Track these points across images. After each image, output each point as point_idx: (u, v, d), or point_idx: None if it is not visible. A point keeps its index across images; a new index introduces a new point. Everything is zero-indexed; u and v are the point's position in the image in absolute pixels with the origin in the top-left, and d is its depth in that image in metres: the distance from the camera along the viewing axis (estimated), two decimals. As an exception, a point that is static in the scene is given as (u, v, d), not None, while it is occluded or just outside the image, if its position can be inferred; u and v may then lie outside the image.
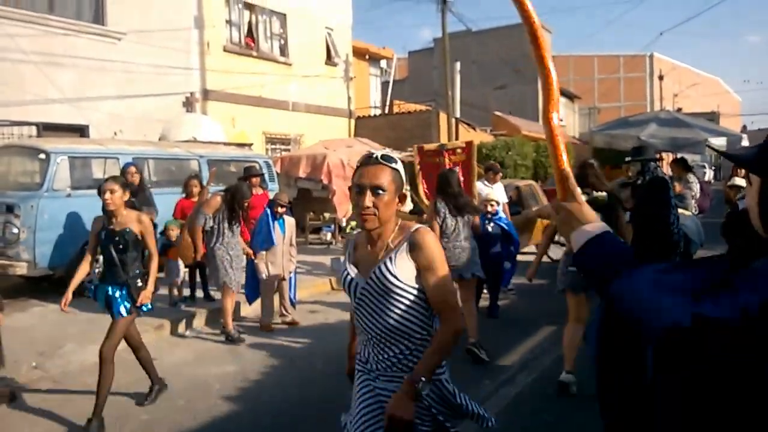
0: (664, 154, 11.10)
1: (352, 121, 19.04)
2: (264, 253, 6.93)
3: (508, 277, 7.55)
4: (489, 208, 7.12)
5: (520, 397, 4.84)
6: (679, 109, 35.07)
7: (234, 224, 6.73)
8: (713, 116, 32.90)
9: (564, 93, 36.23)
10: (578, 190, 1.62)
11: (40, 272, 7.83)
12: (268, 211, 7.03)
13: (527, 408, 4.63)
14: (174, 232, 7.60)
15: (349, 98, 18.95)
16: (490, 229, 7.04)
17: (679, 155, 9.14)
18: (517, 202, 10.85)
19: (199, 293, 7.94)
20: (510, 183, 11.86)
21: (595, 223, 1.50)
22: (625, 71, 47.58)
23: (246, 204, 6.85)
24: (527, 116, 28.98)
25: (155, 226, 7.40)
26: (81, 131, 11.22)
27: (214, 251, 6.64)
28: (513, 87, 29.86)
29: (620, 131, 9.83)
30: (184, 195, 8.05)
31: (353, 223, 9.99)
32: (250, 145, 12.87)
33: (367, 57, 21.97)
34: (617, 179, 8.17)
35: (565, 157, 1.68)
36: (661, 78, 38.70)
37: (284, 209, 7.11)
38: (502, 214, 7.45)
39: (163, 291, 7.95)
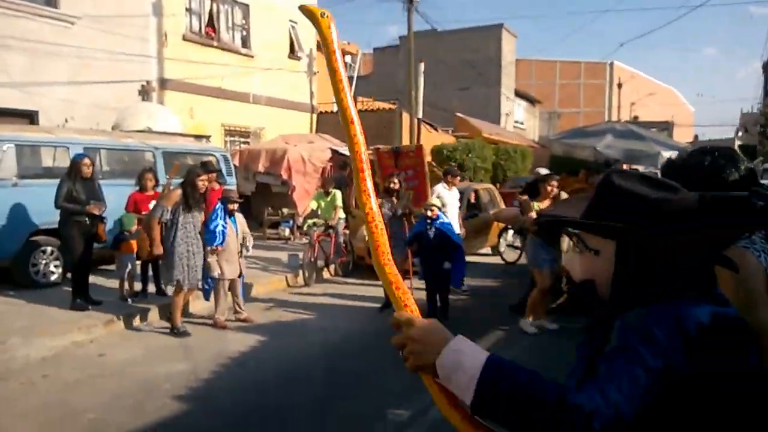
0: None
1: (314, 117, 18.90)
2: (219, 250, 6.81)
3: (459, 278, 7.63)
4: (429, 213, 7.26)
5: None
6: (636, 117, 36.05)
7: (192, 212, 6.53)
8: (667, 126, 33.87)
9: (526, 97, 36.78)
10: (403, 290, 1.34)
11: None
12: (220, 206, 6.92)
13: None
14: (133, 227, 7.43)
15: (311, 93, 18.80)
16: (431, 234, 7.19)
17: (633, 167, 9.40)
18: (475, 205, 10.97)
19: (152, 287, 7.76)
20: (469, 186, 11.96)
21: (462, 341, 1.22)
22: (585, 78, 48.52)
23: (201, 184, 6.57)
24: (489, 118, 29.29)
25: (103, 219, 7.23)
26: (30, 117, 10.83)
27: (174, 247, 6.45)
28: (476, 89, 30.12)
29: (577, 141, 10.05)
30: (137, 188, 7.86)
31: (310, 221, 9.94)
32: (207, 137, 12.62)
33: (331, 52, 21.81)
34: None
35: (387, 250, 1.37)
36: (619, 86, 39.59)
37: (235, 206, 7.01)
38: (444, 218, 7.55)
39: (115, 285, 7.77)
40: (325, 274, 9.94)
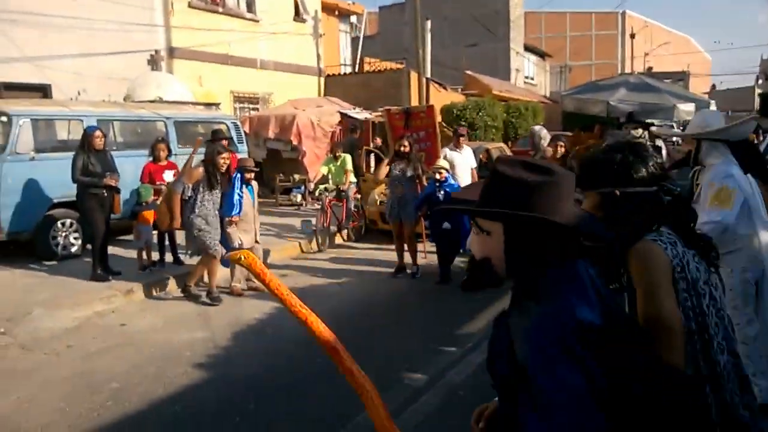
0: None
1: (322, 80, 18.81)
2: (236, 220, 6.93)
3: (464, 243, 7.71)
4: (437, 176, 7.31)
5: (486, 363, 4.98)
6: (650, 68, 35.29)
7: (213, 191, 6.67)
8: (683, 75, 33.16)
9: (536, 51, 36.17)
10: None
11: (8, 237, 7.73)
12: (238, 175, 7.01)
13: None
14: (150, 198, 7.56)
15: (318, 56, 18.66)
16: (440, 196, 7.25)
17: (648, 120, 9.29)
18: (487, 165, 10.95)
19: (169, 257, 7.93)
20: (480, 145, 11.93)
21: None
22: (597, 29, 47.51)
23: (222, 162, 6.69)
24: (499, 75, 28.92)
25: (118, 190, 7.36)
26: (43, 91, 10.92)
27: (192, 221, 6.60)
28: (485, 45, 29.65)
29: (590, 95, 9.88)
30: (151, 159, 7.96)
31: (322, 186, 10.01)
32: (217, 104, 12.67)
33: (336, 13, 21.56)
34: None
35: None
36: (632, 36, 38.73)
37: (252, 175, 7.10)
38: (452, 180, 7.60)
39: (133, 255, 7.95)
40: (338, 239, 10.07)
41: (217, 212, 6.76)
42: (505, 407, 1.46)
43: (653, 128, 9.29)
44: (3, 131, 7.86)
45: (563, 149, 7.09)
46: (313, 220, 9.61)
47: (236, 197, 6.89)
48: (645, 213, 1.91)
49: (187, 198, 6.67)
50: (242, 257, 1.71)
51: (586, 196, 2.00)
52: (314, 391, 4.52)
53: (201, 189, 6.61)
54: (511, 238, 1.38)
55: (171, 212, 6.80)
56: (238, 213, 6.90)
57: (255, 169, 7.25)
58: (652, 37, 46.27)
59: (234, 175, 7.00)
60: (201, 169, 6.66)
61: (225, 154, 6.74)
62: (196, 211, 6.60)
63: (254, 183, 7.24)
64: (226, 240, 6.87)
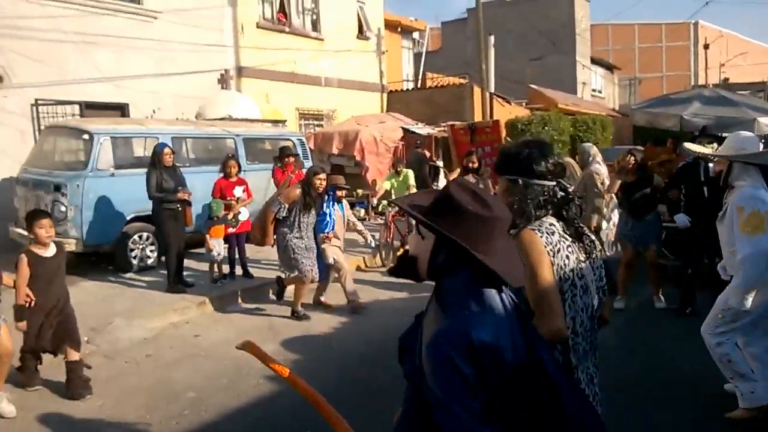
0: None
1: (385, 96, 18.97)
2: (330, 236, 7.02)
3: None
4: None
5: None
6: (726, 80, 33.94)
7: (310, 212, 6.65)
8: (764, 86, 31.71)
9: (603, 64, 35.43)
10: None
11: (88, 248, 8.10)
12: (331, 194, 7.12)
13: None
14: (221, 213, 7.80)
15: (381, 72, 18.85)
16: None
17: (724, 134, 8.92)
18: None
19: (239, 270, 8.13)
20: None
21: None
22: (667, 40, 46.11)
23: (318, 183, 6.63)
24: (564, 88, 28.46)
25: (189, 203, 7.62)
26: (121, 109, 11.43)
27: (286, 241, 6.58)
28: (549, 58, 29.28)
29: (661, 109, 9.58)
30: (221, 175, 8.20)
31: (384, 202, 10.04)
32: (283, 121, 12.98)
33: (399, 29, 21.77)
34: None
35: None
36: (706, 47, 37.37)
37: (343, 193, 7.23)
38: None
39: (204, 268, 8.20)
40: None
41: (312, 234, 6.74)
42: (410, 395, 1.64)
43: None
44: (85, 149, 8.28)
45: (633, 161, 6.91)
46: (377, 235, 9.65)
47: (329, 214, 6.98)
48: (539, 203, 2.21)
49: (281, 218, 6.62)
50: (248, 347, 2.06)
51: (499, 180, 2.33)
52: (379, 408, 4.51)
53: (297, 210, 6.58)
54: (438, 250, 1.58)
55: (264, 229, 6.72)
56: (332, 230, 6.98)
57: (346, 186, 7.39)
58: (727, 46, 44.54)
59: (327, 193, 7.04)
60: (298, 191, 6.63)
61: (321, 175, 6.72)
62: (294, 232, 6.57)
63: (345, 201, 7.36)
64: (319, 256, 6.86)
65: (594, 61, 33.55)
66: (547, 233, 2.18)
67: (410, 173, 10.16)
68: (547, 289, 2.10)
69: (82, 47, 10.71)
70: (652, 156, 8.91)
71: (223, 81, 13.74)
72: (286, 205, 6.58)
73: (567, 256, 2.18)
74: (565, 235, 2.22)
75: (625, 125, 15.86)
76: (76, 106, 10.07)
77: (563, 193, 2.26)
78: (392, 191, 10.11)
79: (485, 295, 1.53)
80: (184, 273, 7.77)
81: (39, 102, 10.05)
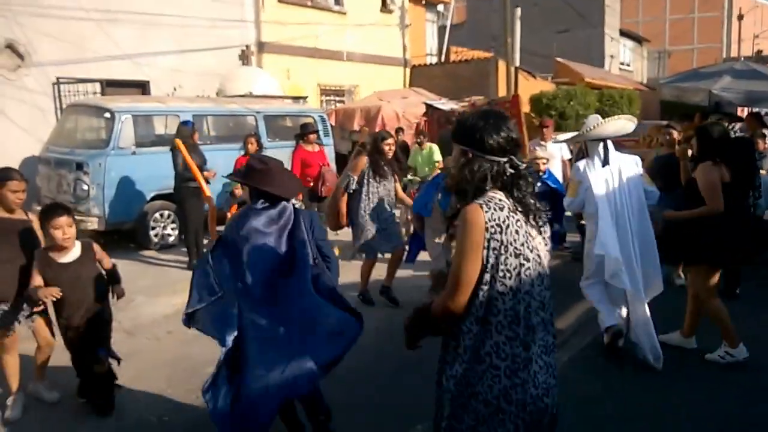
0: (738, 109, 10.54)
1: (408, 71, 18.76)
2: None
3: (555, 237, 7.48)
4: (536, 168, 7.12)
5: (572, 362, 4.84)
6: (759, 52, 32.97)
7: (382, 181, 6.05)
8: (798, 59, 30.78)
9: (632, 36, 34.58)
10: None
11: (110, 226, 8.19)
12: (439, 182, 6.84)
13: (580, 372, 4.62)
14: (239, 190, 7.79)
15: (404, 46, 18.62)
16: (537, 188, 7.02)
17: (755, 110, 8.65)
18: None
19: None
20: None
21: None
22: (699, 11, 44.79)
23: (387, 149, 6.00)
24: (592, 62, 27.87)
25: (208, 182, 7.63)
26: (142, 87, 11.47)
27: (359, 216, 6.04)
28: (576, 31, 28.63)
29: (690, 84, 9.31)
30: (242, 152, 8.20)
31: (405, 179, 9.92)
32: (305, 98, 12.92)
33: (423, 2, 21.43)
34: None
35: None
36: (740, 18, 36.21)
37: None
38: (557, 172, 7.36)
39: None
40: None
41: (389, 206, 6.17)
42: None
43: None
44: (106, 127, 8.32)
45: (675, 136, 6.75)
46: (398, 213, 9.57)
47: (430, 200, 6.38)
48: (486, 177, 2.17)
49: (351, 191, 6.07)
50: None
51: (454, 146, 2.29)
52: (398, 382, 4.54)
53: (366, 179, 6.00)
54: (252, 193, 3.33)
55: (335, 209, 6.13)
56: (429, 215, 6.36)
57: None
58: (762, 17, 43.19)
59: (435, 178, 6.52)
60: (365, 159, 6.08)
61: (389, 140, 6.12)
62: (362, 205, 6.01)
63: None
64: (389, 237, 6.25)
65: (623, 33, 32.75)
66: (496, 208, 2.12)
67: (435, 148, 9.96)
68: (461, 266, 2.10)
69: (103, 25, 10.72)
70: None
71: (244, 57, 13.70)
72: (355, 177, 6.01)
73: (516, 231, 2.13)
74: (516, 211, 2.17)
75: (653, 99, 15.49)
76: (97, 84, 10.12)
77: (513, 171, 2.20)
78: (416, 167, 9.96)
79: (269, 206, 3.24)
80: (205, 250, 7.81)
81: (60, 80, 10.12)
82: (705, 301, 4.71)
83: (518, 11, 16.80)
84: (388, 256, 6.49)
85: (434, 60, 21.46)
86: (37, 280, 3.74)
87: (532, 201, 2.24)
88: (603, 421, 3.94)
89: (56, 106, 10.13)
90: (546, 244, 2.28)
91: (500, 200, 2.16)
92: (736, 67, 9.85)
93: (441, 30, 22.61)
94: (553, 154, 8.58)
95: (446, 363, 2.25)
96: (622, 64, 32.65)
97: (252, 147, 8.09)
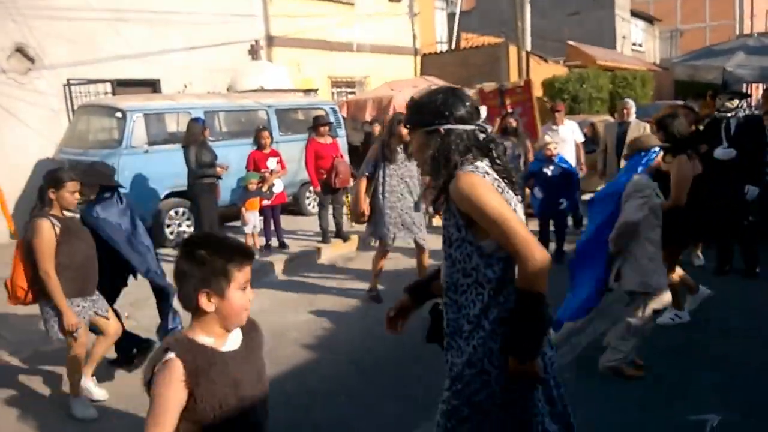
0: (753, 86, 10.37)
1: (418, 59, 18.64)
2: None
3: (577, 217, 7.47)
4: (547, 153, 7.17)
5: (593, 346, 4.79)
6: (772, 27, 32.36)
7: (395, 162, 5.80)
8: (813, 33, 30.18)
9: (643, 16, 34.10)
10: None
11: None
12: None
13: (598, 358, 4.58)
14: (251, 185, 7.80)
15: (414, 35, 18.49)
16: (548, 172, 7.05)
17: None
18: (592, 140, 10.42)
19: (275, 242, 8.16)
20: (585, 119, 11.42)
21: None
22: (711, -12, 44.05)
23: (400, 130, 5.65)
24: (603, 43, 27.53)
25: (220, 178, 7.63)
26: (153, 85, 11.48)
27: (376, 200, 5.89)
28: (587, 13, 28.29)
29: (703, 62, 9.16)
30: (255, 147, 8.19)
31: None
32: (315, 90, 12.87)
33: (432, -11, 21.23)
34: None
35: None
36: (753, -8, 35.62)
37: None
38: (570, 156, 7.35)
39: (241, 241, 8.25)
40: (436, 221, 9.97)
41: (409, 192, 5.93)
42: None
43: None
44: (118, 126, 8.35)
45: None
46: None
47: None
48: (464, 148, 2.12)
49: (369, 175, 5.89)
50: None
51: (413, 135, 2.24)
52: (413, 372, 4.54)
53: (380, 163, 5.84)
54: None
55: (358, 198, 5.96)
56: None
57: None
58: (775, -9, 42.31)
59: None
60: (377, 145, 5.98)
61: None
62: (380, 189, 5.83)
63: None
64: (407, 225, 6.00)
65: (634, 13, 32.29)
66: (484, 173, 2.09)
67: None
68: (511, 221, 2.00)
69: (112, 24, 10.73)
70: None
71: (254, 52, 13.66)
72: (372, 161, 5.88)
73: (506, 195, 2.11)
74: (499, 177, 2.15)
75: (666, 80, 15.28)
76: (108, 84, 10.15)
77: (484, 135, 2.18)
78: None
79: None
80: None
81: (71, 81, 10.16)
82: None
83: (528, -6, 16.62)
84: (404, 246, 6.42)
85: (444, 48, 21.30)
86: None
87: (509, 167, 2.23)
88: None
89: (68, 107, 10.18)
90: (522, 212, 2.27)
91: (484, 166, 2.13)
92: (750, 44, 9.66)
93: (450, 17, 22.41)
94: (564, 138, 8.51)
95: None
96: (634, 44, 32.22)
97: (266, 141, 8.08)
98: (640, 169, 4.18)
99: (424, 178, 6.46)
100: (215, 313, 1.80)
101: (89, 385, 4.33)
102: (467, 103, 2.18)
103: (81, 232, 4.17)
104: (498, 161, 2.18)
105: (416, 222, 5.96)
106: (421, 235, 6.02)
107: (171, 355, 1.73)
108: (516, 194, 2.19)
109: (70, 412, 4.14)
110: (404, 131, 5.75)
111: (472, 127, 2.16)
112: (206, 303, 1.76)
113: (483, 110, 6.71)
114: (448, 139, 2.13)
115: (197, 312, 1.80)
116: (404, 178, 5.87)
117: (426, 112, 2.18)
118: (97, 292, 4.24)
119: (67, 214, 4.13)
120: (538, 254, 1.99)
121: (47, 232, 3.88)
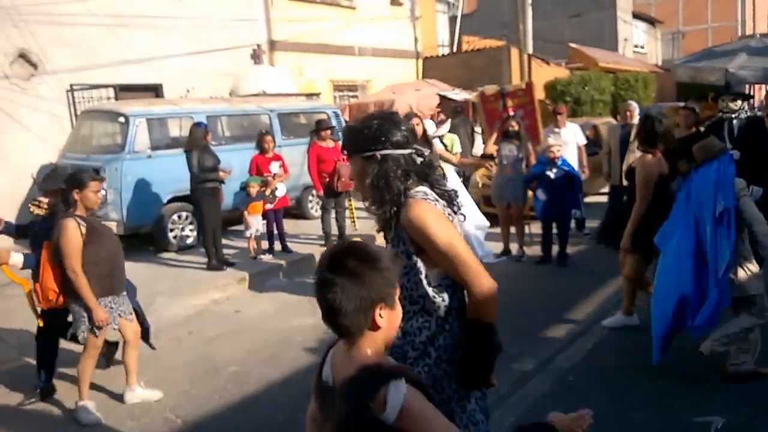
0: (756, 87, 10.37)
1: (420, 63, 18.66)
2: None
3: (579, 220, 7.49)
4: (550, 155, 7.21)
5: (597, 349, 4.79)
6: (774, 28, 32.32)
7: None
8: (815, 34, 30.13)
9: (645, 18, 34.10)
10: None
11: (128, 230, 8.24)
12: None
13: (604, 360, 4.58)
14: (254, 189, 7.81)
15: (416, 38, 18.51)
16: (552, 174, 7.05)
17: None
18: (594, 142, 10.39)
19: (278, 245, 8.17)
20: (587, 121, 11.40)
21: None
22: (712, -11, 44.02)
23: (414, 126, 5.71)
24: (605, 46, 27.53)
25: (223, 182, 7.64)
26: (155, 90, 11.51)
27: None
28: (588, 15, 28.27)
29: (705, 63, 9.15)
30: (258, 151, 8.20)
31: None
32: (317, 94, 12.90)
33: (433, -7, 21.25)
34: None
35: None
36: (754, -6, 35.59)
37: None
38: (572, 159, 7.38)
39: (244, 245, 8.27)
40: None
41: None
42: None
43: None
44: (121, 131, 8.37)
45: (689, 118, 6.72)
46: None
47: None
48: (403, 174, 2.09)
49: None
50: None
51: (351, 162, 2.20)
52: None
53: None
54: None
55: None
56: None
57: None
58: (777, -8, 42.27)
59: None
60: None
61: (415, 120, 6.16)
62: None
63: None
64: None
65: (635, 15, 32.28)
66: (434, 200, 2.08)
67: (456, 139, 9.80)
68: (461, 251, 2.02)
69: (114, 29, 10.76)
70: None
71: (256, 56, 13.69)
72: None
73: (454, 223, 2.13)
74: (441, 201, 2.14)
75: (668, 82, 15.26)
76: (111, 90, 10.18)
77: (421, 159, 2.16)
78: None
79: None
80: (224, 251, 7.85)
81: (74, 87, 10.18)
82: (629, 282, 4.98)
83: (529, -4, 16.65)
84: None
85: (446, 51, 21.31)
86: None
87: (449, 189, 2.22)
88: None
89: (71, 112, 10.20)
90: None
91: (425, 193, 2.11)
92: (752, 45, 9.66)
93: (452, 20, 22.43)
94: (567, 141, 8.50)
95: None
96: (635, 46, 32.20)
97: (269, 146, 8.09)
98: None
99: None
100: (383, 329, 1.61)
101: (141, 392, 4.38)
102: (402, 128, 2.16)
103: (107, 230, 4.26)
104: (437, 185, 2.18)
105: None
106: None
107: (403, 385, 1.48)
108: (457, 214, 2.20)
109: (75, 416, 4.15)
110: (418, 129, 5.97)
111: (408, 151, 2.14)
112: (380, 318, 1.59)
113: (430, 125, 6.80)
114: (385, 164, 2.10)
115: (362, 333, 1.59)
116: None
117: (362, 138, 2.15)
118: (123, 293, 4.31)
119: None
120: (486, 284, 2.04)
121: (73, 232, 3.95)
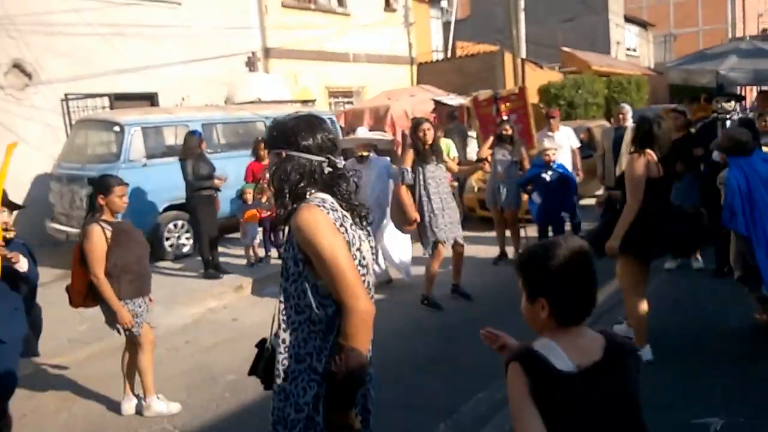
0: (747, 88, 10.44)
1: (414, 68, 18.71)
2: None
3: (575, 222, 7.52)
4: (545, 159, 7.27)
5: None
6: (765, 30, 32.53)
7: (429, 164, 5.96)
8: (805, 36, 30.31)
9: (637, 21, 34.30)
10: None
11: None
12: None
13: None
14: (250, 196, 7.82)
15: (410, 44, 18.57)
16: (547, 177, 7.09)
17: (763, 88, 8.58)
18: (588, 145, 10.44)
19: (274, 253, 8.16)
20: (581, 124, 11.45)
21: None
22: (704, -8, 44.28)
23: (422, 134, 5.91)
24: (598, 49, 27.67)
25: (217, 191, 7.64)
26: (150, 99, 11.51)
27: (421, 205, 5.98)
28: (581, 19, 28.42)
29: (697, 66, 9.24)
30: (253, 158, 8.21)
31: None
32: (313, 101, 12.91)
33: (426, -1, 21.34)
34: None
35: None
36: (744, -4, 35.83)
37: None
38: (566, 162, 7.43)
39: (240, 253, 8.26)
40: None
41: (446, 192, 6.13)
42: None
43: None
44: (116, 140, 8.36)
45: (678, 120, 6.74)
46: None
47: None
48: (302, 178, 2.08)
49: (410, 183, 5.98)
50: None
51: (269, 156, 2.20)
52: (419, 382, 4.53)
53: (418, 170, 5.96)
54: None
55: (403, 206, 5.98)
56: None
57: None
58: (767, -5, 42.54)
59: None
60: (411, 150, 6.04)
61: (425, 125, 6.04)
62: (422, 193, 5.94)
63: None
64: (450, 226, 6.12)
65: (627, 19, 32.47)
66: (330, 210, 2.04)
67: (451, 144, 9.81)
68: (343, 267, 1.94)
69: (109, 38, 10.77)
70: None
71: (251, 64, 13.71)
72: (409, 168, 5.95)
73: (352, 234, 2.07)
74: (345, 214, 2.10)
75: (661, 84, 15.35)
76: (106, 99, 10.18)
77: (331, 169, 2.12)
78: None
79: None
80: (220, 258, 7.84)
81: (69, 96, 10.18)
82: (629, 297, 4.58)
83: (522, 2, 16.69)
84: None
85: (440, 56, 21.39)
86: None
87: (356, 203, 2.17)
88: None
89: (65, 122, 10.20)
90: (372, 251, 2.20)
91: (323, 200, 2.07)
92: (742, 47, 9.74)
93: (446, 26, 22.53)
94: (560, 144, 8.53)
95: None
96: (628, 49, 32.37)
97: (264, 152, 8.09)
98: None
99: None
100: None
101: (159, 405, 4.37)
102: (320, 135, 2.12)
103: (136, 233, 4.29)
104: (343, 196, 2.13)
105: (455, 221, 6.16)
106: (460, 234, 6.24)
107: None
108: (363, 230, 2.16)
109: (149, 411, 4.30)
110: (429, 134, 5.95)
111: (318, 158, 2.10)
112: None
113: (362, 131, 6.77)
114: (285, 165, 2.09)
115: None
116: (438, 180, 6.03)
117: (277, 134, 2.15)
118: (149, 297, 4.34)
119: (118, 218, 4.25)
120: (362, 306, 1.95)
121: (97, 237, 4.00)
